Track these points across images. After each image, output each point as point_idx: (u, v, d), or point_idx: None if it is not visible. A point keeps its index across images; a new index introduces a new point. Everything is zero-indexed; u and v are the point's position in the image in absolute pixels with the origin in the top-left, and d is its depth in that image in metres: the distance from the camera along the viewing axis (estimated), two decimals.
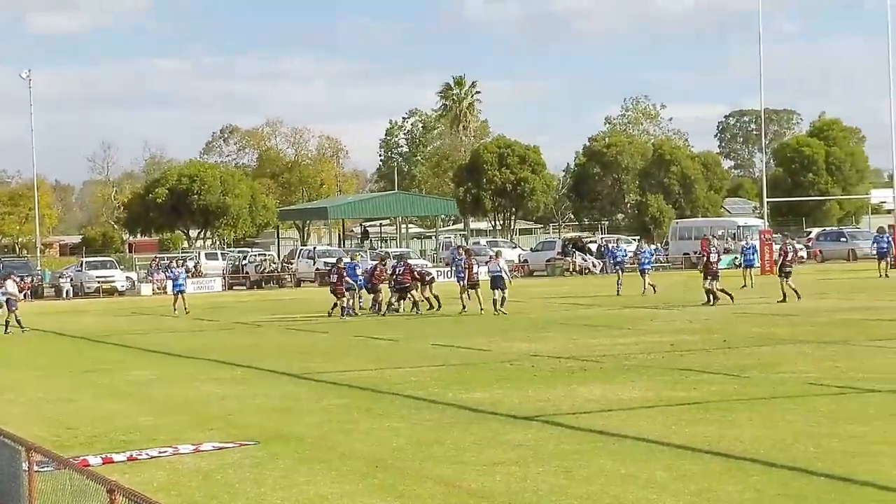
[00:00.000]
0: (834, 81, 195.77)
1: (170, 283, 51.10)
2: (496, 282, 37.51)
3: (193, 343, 30.86)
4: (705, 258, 38.69)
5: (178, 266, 47.90)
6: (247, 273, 72.14)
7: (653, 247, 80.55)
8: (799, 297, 37.09)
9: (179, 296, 44.02)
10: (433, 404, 17.41)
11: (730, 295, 37.63)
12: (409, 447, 13.94)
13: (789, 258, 39.21)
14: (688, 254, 73.05)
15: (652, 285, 44.00)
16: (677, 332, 28.24)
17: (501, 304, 36.93)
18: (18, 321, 36.43)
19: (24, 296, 52.70)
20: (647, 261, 47.08)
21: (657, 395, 17.41)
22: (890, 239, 56.26)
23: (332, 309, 39.00)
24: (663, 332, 28.13)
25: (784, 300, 36.95)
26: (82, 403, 19.24)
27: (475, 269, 39.01)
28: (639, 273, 46.17)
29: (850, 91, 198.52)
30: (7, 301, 37.12)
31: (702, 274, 38.75)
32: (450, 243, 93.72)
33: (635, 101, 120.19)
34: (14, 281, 38.94)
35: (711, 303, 36.99)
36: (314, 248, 79.48)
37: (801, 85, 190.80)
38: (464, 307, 38.08)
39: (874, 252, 55.66)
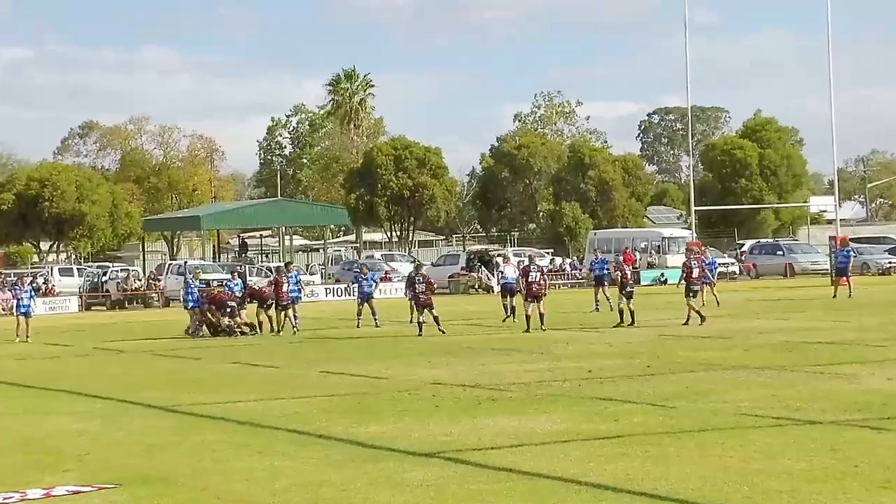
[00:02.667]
0: (765, 78, 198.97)
1: (15, 304, 50.00)
2: (509, 289, 41.05)
3: (45, 372, 30.41)
4: (525, 280, 38.71)
5: (22, 284, 46.31)
6: (107, 291, 71.43)
7: (568, 260, 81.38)
8: (695, 320, 36.84)
9: (23, 319, 42.41)
10: (321, 440, 17.34)
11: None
12: (294, 488, 13.86)
13: (695, 275, 38.35)
14: None
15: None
16: (596, 356, 28.41)
17: (512, 313, 40.40)
18: None
19: None
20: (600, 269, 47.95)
21: (574, 428, 17.49)
22: (850, 252, 53.92)
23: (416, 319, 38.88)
24: (580, 357, 28.29)
25: (687, 322, 36.85)
26: None
27: (284, 288, 40.10)
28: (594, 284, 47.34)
29: (783, 88, 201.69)
30: None
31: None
32: (340, 257, 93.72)
33: (548, 98, 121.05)
34: None
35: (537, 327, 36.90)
36: (185, 262, 78.86)
37: (728, 81, 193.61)
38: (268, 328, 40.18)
39: (835, 265, 52.15)
